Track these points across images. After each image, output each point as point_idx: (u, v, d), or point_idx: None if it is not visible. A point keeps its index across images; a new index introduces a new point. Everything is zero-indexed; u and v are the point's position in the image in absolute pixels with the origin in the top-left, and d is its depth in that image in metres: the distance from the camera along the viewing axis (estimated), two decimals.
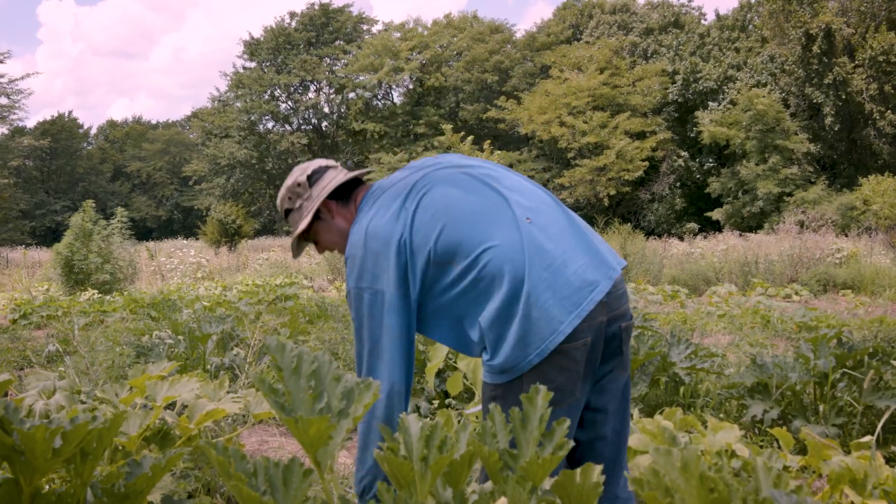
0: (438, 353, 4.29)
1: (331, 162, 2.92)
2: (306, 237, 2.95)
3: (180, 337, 6.64)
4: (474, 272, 2.52)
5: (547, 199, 2.72)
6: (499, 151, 31.85)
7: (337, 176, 2.85)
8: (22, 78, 30.86)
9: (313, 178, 2.85)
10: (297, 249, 2.99)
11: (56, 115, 76.84)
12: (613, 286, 2.55)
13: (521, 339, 2.46)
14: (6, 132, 33.87)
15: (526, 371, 2.48)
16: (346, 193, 2.86)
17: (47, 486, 3.12)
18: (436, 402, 5.19)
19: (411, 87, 52.99)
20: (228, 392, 4.12)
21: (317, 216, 2.85)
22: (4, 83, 30.40)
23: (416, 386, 5.36)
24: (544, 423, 1.89)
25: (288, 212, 2.92)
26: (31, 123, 69.25)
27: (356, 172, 2.89)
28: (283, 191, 2.91)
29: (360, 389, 1.96)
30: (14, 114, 31.18)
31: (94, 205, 17.10)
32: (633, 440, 3.14)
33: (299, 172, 2.89)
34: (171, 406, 4.35)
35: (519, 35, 53.75)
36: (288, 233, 51.40)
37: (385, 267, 2.57)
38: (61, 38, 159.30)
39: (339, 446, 1.87)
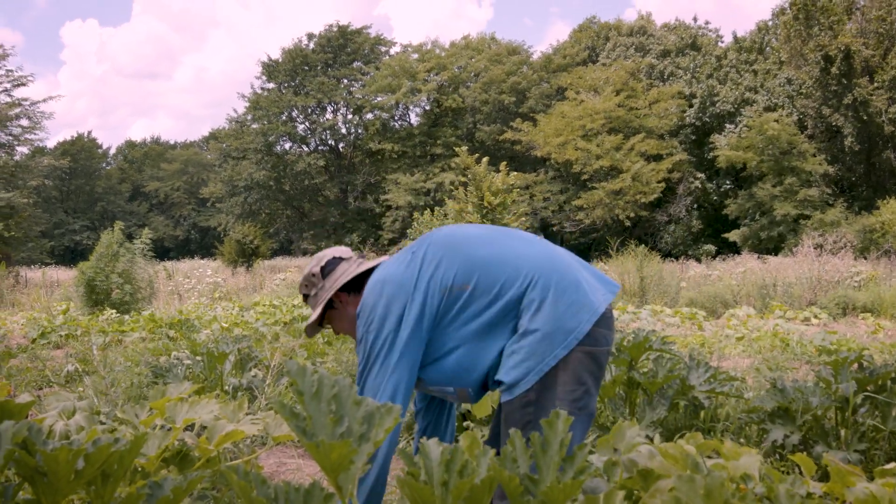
0: None
1: (344, 252, 3.13)
2: (321, 323, 3.15)
3: (198, 357, 6.66)
4: (501, 293, 2.73)
5: (545, 240, 3.01)
6: (515, 173, 31.72)
7: (349, 268, 3.04)
8: (44, 100, 31.22)
9: (326, 270, 3.05)
10: (311, 331, 3.15)
11: (76, 135, 77.53)
12: (606, 310, 2.81)
13: (547, 335, 2.67)
14: (27, 152, 34.09)
15: (553, 365, 2.67)
16: (359, 285, 3.02)
17: None
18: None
19: (428, 107, 53.17)
20: (247, 413, 4.12)
21: (329, 305, 3.05)
22: (27, 105, 30.60)
23: None
24: (565, 448, 1.88)
25: (306, 297, 3.13)
26: (51, 143, 69.86)
27: (368, 265, 3.05)
28: (301, 278, 3.13)
29: (381, 414, 1.96)
30: (35, 134, 31.37)
31: (123, 227, 17.25)
32: (654, 464, 3.12)
33: (315, 263, 3.09)
34: (190, 427, 4.35)
35: (536, 56, 53.94)
36: (304, 252, 51.58)
37: (395, 309, 2.73)
38: (85, 59, 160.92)
39: (360, 471, 1.87)
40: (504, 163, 32.42)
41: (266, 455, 5.03)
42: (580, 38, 53.73)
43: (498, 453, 2.70)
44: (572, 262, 2.94)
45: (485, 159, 30.73)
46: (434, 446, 1.93)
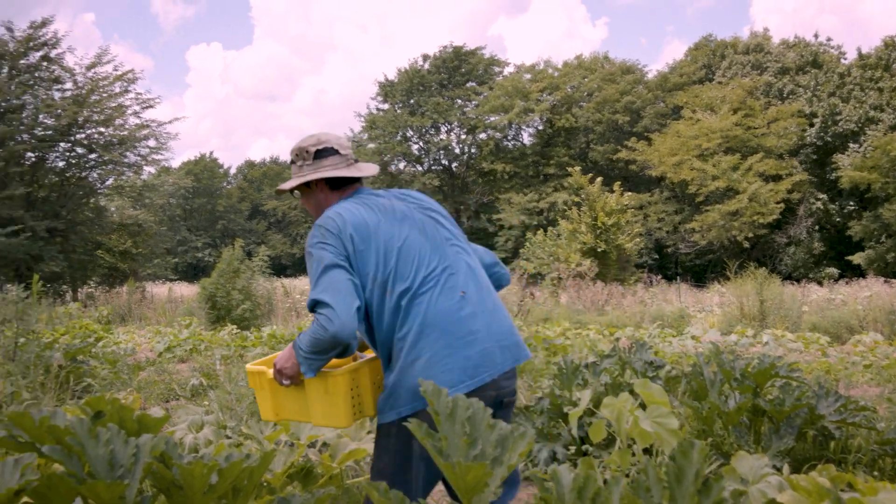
0: (581, 401, 4.24)
1: (343, 146, 3.28)
2: (292, 193, 3.36)
3: None
4: (403, 309, 2.90)
5: (485, 283, 3.16)
6: (629, 193, 31.52)
7: (338, 165, 3.22)
8: (170, 122, 32.45)
9: (319, 154, 3.22)
10: (280, 193, 3.36)
11: (199, 155, 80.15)
12: (507, 372, 2.98)
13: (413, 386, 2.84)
14: (153, 172, 35.31)
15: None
16: (340, 184, 3.24)
17: None
18: (572, 448, 5.12)
19: (541, 127, 53.14)
20: (368, 432, 4.16)
21: (306, 185, 3.25)
22: (154, 126, 31.72)
23: (553, 431, 5.30)
24: (700, 479, 1.83)
25: (292, 163, 3.31)
26: (176, 163, 72.36)
27: (353, 172, 3.23)
28: (296, 146, 3.29)
29: (515, 438, 1.95)
30: (161, 154, 32.46)
31: (243, 244, 17.73)
32: (785, 497, 3.01)
33: (313, 142, 3.25)
34: (312, 444, 4.41)
35: (651, 75, 53.33)
36: None
37: (333, 237, 2.93)
38: (209, 82, 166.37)
39: (493, 494, 1.86)
40: (618, 183, 32.22)
41: None
42: (696, 56, 52.86)
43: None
44: (497, 321, 3.07)
45: (598, 179, 30.61)
46: (565, 473, 1.90)
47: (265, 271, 18.40)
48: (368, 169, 3.30)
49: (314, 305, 2.84)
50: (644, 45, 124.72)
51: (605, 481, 1.91)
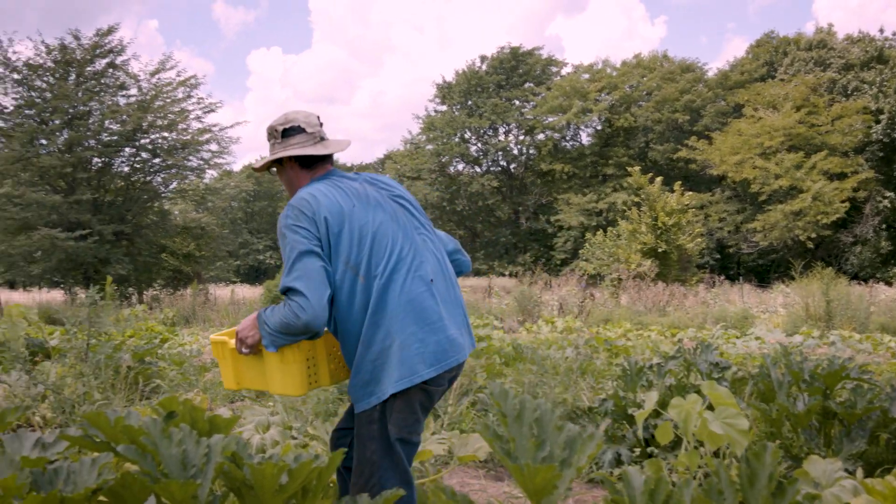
0: (646, 402, 4.21)
1: (309, 124, 3.40)
2: (268, 168, 3.51)
3: None
4: (375, 292, 3.03)
5: (450, 273, 3.32)
6: (689, 192, 31.16)
7: (305, 143, 3.34)
8: (231, 126, 32.76)
9: (286, 133, 3.35)
10: (257, 170, 3.50)
11: (260, 158, 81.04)
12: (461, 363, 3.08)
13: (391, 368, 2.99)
14: (216, 176, 35.77)
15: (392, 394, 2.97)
16: (308, 162, 3.36)
17: None
18: (637, 450, 5.08)
19: (600, 127, 52.80)
20: (433, 433, 4.17)
21: (277, 161, 3.39)
22: (216, 131, 32.14)
23: (617, 433, 5.26)
24: (774, 482, 1.81)
25: (267, 141, 3.46)
26: (237, 167, 73.20)
27: (319, 150, 3.34)
28: (268, 126, 3.44)
29: (584, 440, 1.94)
30: (223, 158, 32.87)
31: None
32: (860, 501, 2.96)
33: (281, 121, 3.39)
34: None
35: (711, 73, 52.66)
36: (477, 272, 51.98)
37: (306, 218, 3.05)
38: (269, 86, 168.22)
39: (561, 496, 1.85)
40: (678, 182, 31.88)
41: (449, 475, 5.07)
42: (758, 53, 52.08)
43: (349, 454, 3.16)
44: (456, 311, 3.22)
45: (658, 179, 30.31)
46: (636, 475, 1.89)
47: None
48: (336, 145, 3.42)
49: (287, 291, 2.95)
50: (704, 43, 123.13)
51: (673, 483, 1.89)
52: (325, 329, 3.18)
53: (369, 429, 2.99)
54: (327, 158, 3.42)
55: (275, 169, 3.49)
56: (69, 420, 5.60)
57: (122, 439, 2.54)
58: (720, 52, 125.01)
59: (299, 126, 3.37)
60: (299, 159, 3.35)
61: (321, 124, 3.48)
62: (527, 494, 1.78)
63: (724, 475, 1.89)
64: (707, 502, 1.76)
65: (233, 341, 3.15)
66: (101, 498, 2.83)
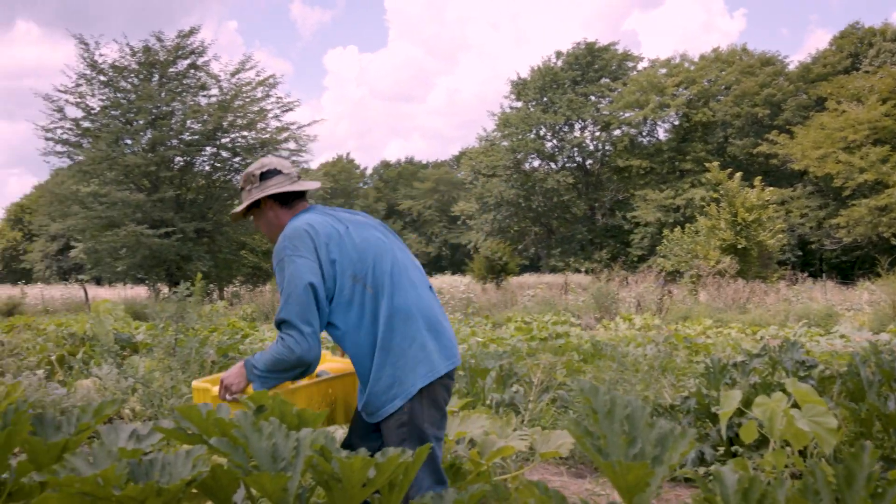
0: (731, 401, 4.15)
1: (285, 167, 3.52)
2: (245, 215, 3.60)
3: (460, 372, 6.83)
4: (386, 298, 3.15)
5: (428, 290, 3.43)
6: (770, 188, 30.56)
7: (283, 183, 3.45)
8: (309, 124, 33.21)
9: (264, 176, 3.45)
10: (235, 218, 3.63)
11: (336, 156, 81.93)
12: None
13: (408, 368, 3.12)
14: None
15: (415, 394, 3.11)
16: (287, 200, 3.46)
17: None
18: (720, 449, 5.01)
19: (677, 122, 52.11)
20: (515, 429, 4.17)
21: (256, 204, 3.48)
22: (294, 129, 32.56)
23: (700, 431, 5.20)
24: (872, 482, 1.77)
25: (241, 190, 3.55)
26: (314, 165, 74.16)
27: (298, 187, 3.46)
28: (243, 174, 3.53)
29: (676, 437, 1.93)
30: (301, 156, 33.29)
31: None
32: None
33: (258, 167, 3.49)
34: (459, 440, 4.45)
35: (792, 66, 51.57)
36: (553, 269, 51.74)
37: (308, 245, 3.15)
38: (345, 84, 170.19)
39: (654, 494, 1.84)
40: (758, 178, 31.31)
41: (530, 472, 5.07)
42: (841, 45, 50.81)
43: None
44: (443, 316, 3.38)
45: (738, 174, 29.81)
46: (729, 473, 1.87)
47: None
48: (311, 184, 3.55)
49: (282, 324, 3.07)
50: (785, 35, 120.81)
51: (767, 483, 1.86)
52: (330, 376, 3.42)
53: (399, 432, 3.13)
54: (304, 197, 3.53)
55: (251, 217, 3.60)
56: (158, 413, 5.74)
57: (214, 432, 2.59)
58: (802, 44, 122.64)
59: (276, 169, 3.49)
60: (279, 198, 3.45)
61: (293, 167, 3.64)
62: (619, 492, 1.77)
63: (820, 475, 1.85)
64: (802, 502, 1.73)
65: (216, 388, 3.21)
66: (193, 490, 2.89)
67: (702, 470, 4.64)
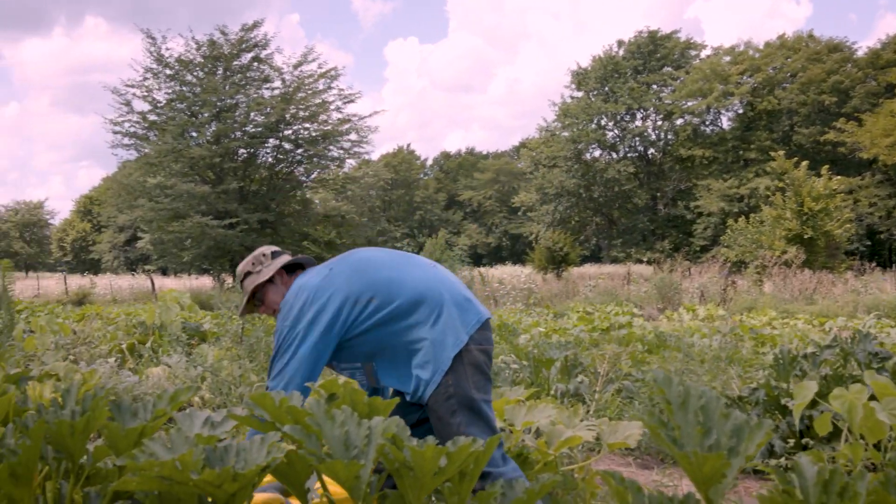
0: (805, 393, 4.10)
1: (279, 250, 3.76)
2: (253, 297, 3.71)
3: (524, 362, 6.83)
4: (397, 302, 3.29)
5: (438, 266, 3.65)
6: (837, 177, 29.99)
7: (286, 257, 3.68)
8: (370, 115, 33.51)
9: (274, 255, 3.67)
10: (245, 309, 3.75)
11: (397, 147, 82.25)
12: (484, 323, 3.38)
13: (441, 341, 3.24)
14: (354, 165, 36.45)
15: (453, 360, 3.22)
16: (291, 270, 3.69)
17: None
18: (790, 441, 4.93)
19: (741, 111, 51.34)
20: (581, 419, 4.15)
21: (271, 280, 3.63)
22: (355, 121, 32.74)
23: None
24: None
25: (247, 275, 3.68)
26: (375, 156, 74.54)
27: (299, 259, 3.72)
28: (248, 258, 3.72)
29: (752, 428, 1.90)
30: (362, 148, 33.47)
31: (447, 236, 18.13)
32: None
33: (265, 249, 3.71)
34: (527, 430, 4.45)
35: (861, 53, 50.47)
36: (614, 259, 51.37)
37: (308, 312, 3.30)
38: (406, 75, 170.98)
39: (729, 485, 1.83)
40: (825, 166, 30.73)
41: (597, 462, 5.05)
42: None
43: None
44: (458, 283, 3.52)
45: (804, 163, 29.30)
46: (809, 465, 1.85)
47: (464, 260, 18.69)
48: (306, 259, 3.77)
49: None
50: (853, 20, 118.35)
51: (847, 474, 1.83)
52: None
53: (448, 404, 3.21)
54: (301, 265, 3.75)
55: (257, 301, 3.74)
56: (227, 401, 5.83)
57: (287, 420, 2.63)
58: (871, 30, 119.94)
59: (279, 251, 3.73)
60: (287, 267, 3.67)
61: None
62: (694, 483, 1.76)
63: None
64: (885, 496, 1.70)
65: None
66: (267, 476, 2.94)
67: (772, 462, 4.58)
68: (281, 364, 3.30)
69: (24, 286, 32.82)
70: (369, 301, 3.29)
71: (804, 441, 4.88)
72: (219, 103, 30.32)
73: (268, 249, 3.70)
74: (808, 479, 1.79)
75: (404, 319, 3.29)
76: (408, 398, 3.34)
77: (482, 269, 30.12)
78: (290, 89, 31.40)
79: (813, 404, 4.82)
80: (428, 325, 3.27)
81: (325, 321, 3.28)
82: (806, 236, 27.31)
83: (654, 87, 54.53)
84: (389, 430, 2.48)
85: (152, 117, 30.89)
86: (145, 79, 30.82)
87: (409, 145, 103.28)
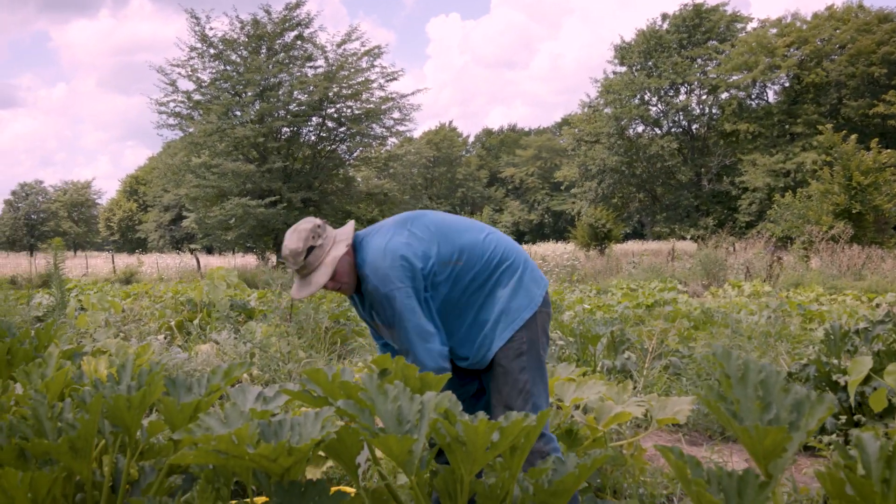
0: (860, 369, 4.04)
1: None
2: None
3: (571, 338, 6.81)
4: (482, 262, 3.34)
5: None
6: (888, 150, 29.47)
7: (339, 226, 3.57)
8: (412, 93, 33.48)
9: (324, 226, 3.37)
10: (308, 289, 3.34)
11: (439, 125, 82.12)
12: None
13: (520, 301, 3.32)
14: (396, 143, 36.48)
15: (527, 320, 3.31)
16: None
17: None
18: (842, 418, 4.88)
19: (788, 84, 50.51)
20: (629, 396, 4.14)
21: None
22: (398, 98, 32.74)
23: None
24: None
25: (311, 249, 3.30)
26: (417, 133, 74.53)
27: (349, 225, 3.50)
28: (302, 233, 3.32)
29: (813, 403, 1.88)
30: (405, 125, 33.49)
31: (490, 212, 18.08)
32: None
33: (312, 220, 3.37)
34: (577, 406, 4.45)
35: None
36: (657, 236, 50.99)
37: (400, 273, 3.21)
38: (448, 52, 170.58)
39: (790, 460, 1.81)
40: (875, 140, 30.20)
41: (644, 439, 5.04)
42: None
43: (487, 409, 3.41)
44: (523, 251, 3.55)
45: (852, 137, 28.85)
46: (871, 440, 1.82)
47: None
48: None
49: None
50: None
51: None
52: None
53: (518, 361, 3.26)
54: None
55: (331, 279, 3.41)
56: (275, 377, 5.89)
57: (339, 395, 2.64)
58: None
59: (324, 223, 3.48)
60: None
61: None
62: (754, 458, 1.74)
63: None
64: None
65: None
66: (320, 453, 2.95)
67: (826, 439, 4.53)
68: (418, 323, 3.22)
69: (73, 265, 33.41)
70: (457, 262, 3.31)
71: (856, 417, 4.83)
72: (262, 82, 30.46)
73: (317, 220, 3.41)
74: (870, 455, 1.76)
75: (487, 279, 3.33)
76: (468, 361, 3.37)
77: (525, 246, 30.09)
78: (334, 68, 31.47)
79: (866, 380, 4.76)
80: (508, 286, 3.33)
81: (420, 281, 3.26)
82: (854, 211, 26.91)
83: (699, 60, 53.75)
84: (442, 405, 2.49)
85: (197, 97, 31.15)
86: (190, 58, 31.10)
87: (451, 122, 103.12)
